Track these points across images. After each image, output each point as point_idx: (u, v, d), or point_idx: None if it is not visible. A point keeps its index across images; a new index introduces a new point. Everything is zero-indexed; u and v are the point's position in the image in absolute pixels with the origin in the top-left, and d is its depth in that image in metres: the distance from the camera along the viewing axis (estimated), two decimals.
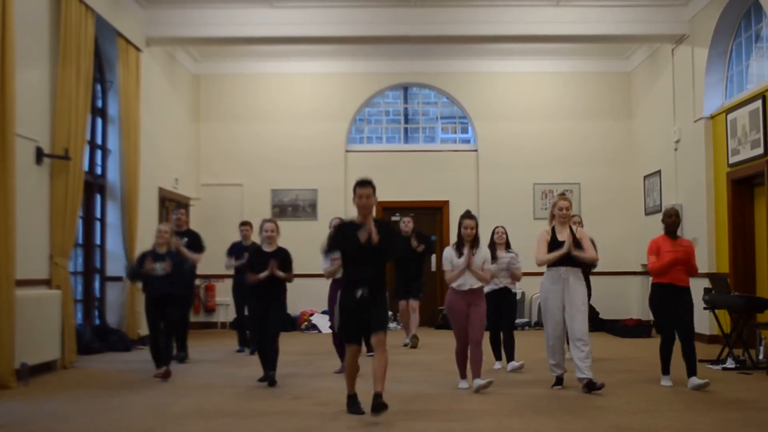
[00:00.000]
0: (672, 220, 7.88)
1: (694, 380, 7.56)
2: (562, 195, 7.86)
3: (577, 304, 7.48)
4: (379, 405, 5.97)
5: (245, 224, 10.94)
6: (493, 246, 8.97)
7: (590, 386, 7.31)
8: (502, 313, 9.06)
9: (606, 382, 7.45)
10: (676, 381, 7.76)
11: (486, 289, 8.28)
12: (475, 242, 7.64)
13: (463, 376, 7.75)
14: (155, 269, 8.36)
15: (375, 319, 6.26)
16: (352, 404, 6.34)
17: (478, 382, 7.60)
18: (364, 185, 6.36)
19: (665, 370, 7.82)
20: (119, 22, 11.16)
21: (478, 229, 7.69)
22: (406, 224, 11.61)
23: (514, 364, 9.02)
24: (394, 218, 15.34)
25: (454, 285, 7.61)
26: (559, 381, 7.65)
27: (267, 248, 8.16)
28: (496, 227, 9.28)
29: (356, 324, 6.31)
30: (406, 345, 11.47)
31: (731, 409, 6.49)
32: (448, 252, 7.70)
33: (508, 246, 9.18)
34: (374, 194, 6.39)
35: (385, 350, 6.31)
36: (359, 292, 6.22)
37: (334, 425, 5.90)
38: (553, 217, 7.73)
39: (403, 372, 8.69)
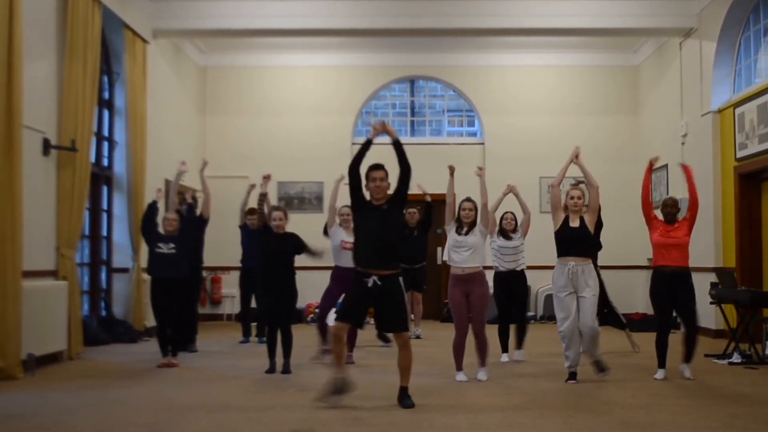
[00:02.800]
0: (668, 210, 8.03)
1: (685, 368, 7.78)
2: (575, 185, 7.93)
3: (587, 296, 7.51)
4: (406, 403, 6.29)
5: (253, 213, 10.94)
6: (503, 232, 9.18)
7: (600, 367, 7.62)
8: (513, 299, 9.14)
9: (609, 375, 7.53)
10: (671, 374, 7.83)
11: (499, 269, 8.91)
12: (472, 225, 7.83)
13: (460, 368, 7.76)
14: (161, 248, 8.58)
15: (394, 319, 6.32)
16: (338, 387, 6.32)
17: (482, 374, 7.65)
18: (378, 168, 6.37)
19: (661, 363, 7.83)
20: (126, 14, 11.15)
21: (477, 213, 7.93)
22: (412, 215, 11.59)
23: (519, 354, 9.05)
24: None
25: (453, 267, 7.75)
26: (572, 376, 7.60)
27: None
28: (505, 213, 9.39)
29: (361, 309, 6.36)
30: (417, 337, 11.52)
31: (738, 404, 6.48)
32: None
33: (515, 232, 9.27)
34: (387, 178, 6.39)
35: (410, 347, 6.39)
36: (371, 280, 6.24)
37: (340, 418, 5.91)
38: (565, 207, 7.79)
39: None
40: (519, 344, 9.18)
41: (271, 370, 8.07)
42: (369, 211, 6.38)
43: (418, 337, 11.53)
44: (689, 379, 7.68)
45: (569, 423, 5.76)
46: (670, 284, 7.78)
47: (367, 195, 6.48)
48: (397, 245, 6.43)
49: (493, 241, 9.19)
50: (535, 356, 9.30)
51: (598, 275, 8.94)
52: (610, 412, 6.12)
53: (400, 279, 6.43)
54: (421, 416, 5.99)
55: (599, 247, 9.46)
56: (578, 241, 7.60)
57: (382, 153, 14.43)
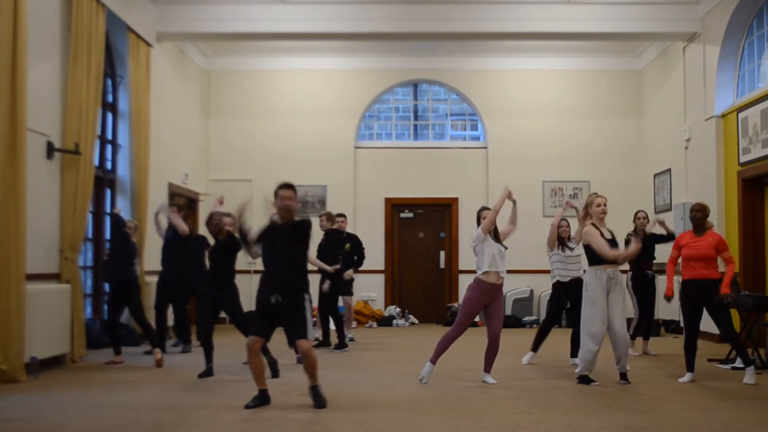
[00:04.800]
0: (692, 215, 8.11)
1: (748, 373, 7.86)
2: (596, 193, 7.99)
3: (620, 303, 7.67)
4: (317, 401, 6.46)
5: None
6: (561, 240, 9.23)
7: (624, 378, 7.73)
8: (576, 305, 9.20)
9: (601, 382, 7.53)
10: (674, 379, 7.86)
11: (561, 279, 9.08)
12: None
13: (434, 361, 7.80)
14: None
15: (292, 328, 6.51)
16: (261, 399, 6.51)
17: (489, 378, 7.68)
18: (286, 187, 6.55)
19: (688, 367, 7.92)
20: (130, 18, 11.18)
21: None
22: (342, 223, 11.52)
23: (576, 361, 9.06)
24: (403, 215, 15.36)
25: (490, 271, 7.66)
26: (588, 379, 7.71)
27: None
28: (561, 221, 9.42)
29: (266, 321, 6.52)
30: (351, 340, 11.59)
31: (740, 409, 6.47)
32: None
33: (570, 240, 9.33)
34: (296, 198, 6.59)
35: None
36: (273, 298, 6.41)
37: (341, 421, 5.91)
38: (586, 215, 7.86)
39: (411, 368, 8.70)
40: (575, 352, 9.15)
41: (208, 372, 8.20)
42: (271, 232, 6.55)
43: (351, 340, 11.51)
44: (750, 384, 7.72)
45: (572, 426, 5.76)
46: (695, 293, 7.93)
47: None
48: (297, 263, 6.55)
49: (556, 253, 9.26)
50: (539, 360, 9.28)
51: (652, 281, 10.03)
52: (612, 416, 6.12)
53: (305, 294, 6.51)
54: (425, 419, 5.99)
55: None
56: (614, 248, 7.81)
57: (389, 156, 14.32)
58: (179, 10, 12.37)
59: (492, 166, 15.15)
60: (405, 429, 5.69)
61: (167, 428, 5.70)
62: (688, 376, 7.89)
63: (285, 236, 6.47)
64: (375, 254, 14.66)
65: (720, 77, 11.68)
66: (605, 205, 7.81)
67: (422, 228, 15.44)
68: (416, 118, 15.82)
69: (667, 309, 12.86)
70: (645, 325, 10.24)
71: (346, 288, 11.39)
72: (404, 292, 15.29)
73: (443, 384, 7.66)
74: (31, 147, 8.24)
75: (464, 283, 14.66)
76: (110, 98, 11.39)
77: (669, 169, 13.52)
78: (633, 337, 10.04)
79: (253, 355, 6.47)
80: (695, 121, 12.40)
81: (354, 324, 13.76)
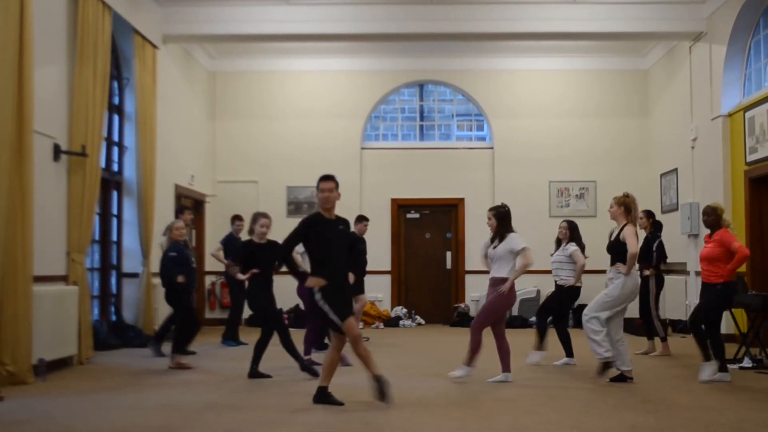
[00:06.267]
0: (702, 219, 8.33)
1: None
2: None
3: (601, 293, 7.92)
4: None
5: (238, 219, 11.62)
6: (558, 242, 9.42)
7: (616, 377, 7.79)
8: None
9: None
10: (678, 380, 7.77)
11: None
12: (499, 234, 7.86)
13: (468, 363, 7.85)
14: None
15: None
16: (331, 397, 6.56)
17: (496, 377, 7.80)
18: (327, 180, 6.64)
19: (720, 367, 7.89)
20: (136, 20, 11.20)
21: (501, 221, 7.86)
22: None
23: (535, 356, 9.20)
24: (409, 216, 15.36)
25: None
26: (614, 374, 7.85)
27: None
28: (561, 222, 9.58)
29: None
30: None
31: (748, 409, 6.45)
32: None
33: (572, 240, 9.33)
34: (336, 189, 6.68)
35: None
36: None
37: (350, 422, 5.91)
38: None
39: (418, 369, 8.70)
40: (569, 351, 9.24)
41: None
42: (325, 225, 6.61)
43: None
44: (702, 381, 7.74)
45: (579, 426, 5.75)
46: (702, 293, 8.11)
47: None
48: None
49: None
50: (547, 359, 9.27)
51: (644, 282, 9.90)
52: (619, 416, 6.11)
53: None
54: (430, 419, 5.99)
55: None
56: (608, 250, 8.10)
57: (395, 156, 14.31)
58: (185, 11, 12.40)
59: (498, 167, 15.14)
60: (411, 429, 5.68)
61: (174, 429, 5.71)
62: (719, 375, 7.81)
63: (343, 233, 6.71)
64: (381, 255, 14.68)
65: (726, 76, 11.65)
66: (610, 207, 8.25)
67: (428, 228, 15.44)
68: (422, 118, 15.82)
69: (675, 309, 12.84)
70: (643, 326, 10.28)
71: (357, 288, 11.41)
72: (411, 293, 15.29)
73: (450, 384, 7.65)
74: (38, 149, 8.26)
75: (471, 283, 14.71)
76: (116, 100, 11.41)
77: (675, 169, 13.49)
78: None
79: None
80: (702, 120, 12.36)
81: (360, 325, 13.77)
